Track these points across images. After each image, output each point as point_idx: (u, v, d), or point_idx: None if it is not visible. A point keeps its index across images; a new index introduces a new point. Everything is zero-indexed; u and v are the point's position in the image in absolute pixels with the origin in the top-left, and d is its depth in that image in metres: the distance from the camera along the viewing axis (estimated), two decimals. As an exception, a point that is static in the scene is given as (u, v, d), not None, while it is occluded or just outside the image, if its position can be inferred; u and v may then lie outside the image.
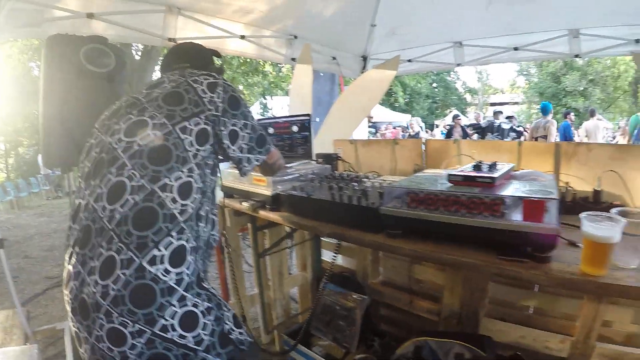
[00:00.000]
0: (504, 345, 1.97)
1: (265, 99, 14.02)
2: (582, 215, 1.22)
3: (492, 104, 30.31)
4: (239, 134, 1.40)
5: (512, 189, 1.44)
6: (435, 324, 2.27)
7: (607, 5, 3.80)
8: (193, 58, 1.62)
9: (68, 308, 1.21)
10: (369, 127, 10.53)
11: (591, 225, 1.18)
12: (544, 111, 8.62)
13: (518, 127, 11.69)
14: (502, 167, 1.64)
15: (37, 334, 2.75)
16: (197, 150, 1.28)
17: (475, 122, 12.88)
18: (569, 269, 1.23)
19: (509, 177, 1.67)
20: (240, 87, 12.92)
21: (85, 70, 2.20)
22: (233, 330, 1.27)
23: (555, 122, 8.69)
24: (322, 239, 2.98)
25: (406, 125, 18.18)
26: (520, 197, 1.32)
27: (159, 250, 1.14)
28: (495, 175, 1.48)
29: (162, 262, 1.13)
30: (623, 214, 1.22)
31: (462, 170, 1.60)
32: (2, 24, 2.67)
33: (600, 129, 10.42)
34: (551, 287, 1.28)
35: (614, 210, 1.27)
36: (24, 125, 15.12)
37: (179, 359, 1.12)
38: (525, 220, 1.29)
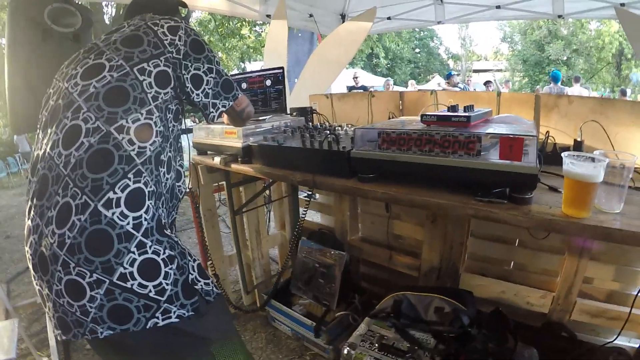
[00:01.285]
0: (485, 300, 1.96)
1: (243, 63, 13.80)
2: (565, 154, 1.17)
3: (475, 71, 30.20)
4: (203, 79, 1.33)
5: (489, 129, 1.38)
6: (415, 279, 2.26)
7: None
8: (156, 6, 1.52)
9: (30, 266, 1.14)
10: (358, 87, 10.34)
11: (573, 164, 1.14)
12: (555, 79, 8.75)
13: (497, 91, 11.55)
14: (478, 110, 1.57)
15: (18, 310, 2.69)
16: (157, 92, 1.21)
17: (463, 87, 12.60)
18: (550, 210, 1.19)
19: (486, 120, 1.61)
20: (219, 53, 12.70)
21: (50, 30, 2.10)
22: (198, 280, 1.20)
23: (568, 89, 8.86)
24: (300, 197, 2.93)
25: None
26: (497, 134, 1.26)
27: (115, 192, 1.06)
28: (471, 115, 1.41)
29: (118, 205, 1.06)
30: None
31: (437, 111, 1.53)
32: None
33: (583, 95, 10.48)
34: (531, 228, 1.24)
35: (597, 151, 1.22)
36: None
37: (140, 310, 1.06)
38: (502, 159, 1.24)
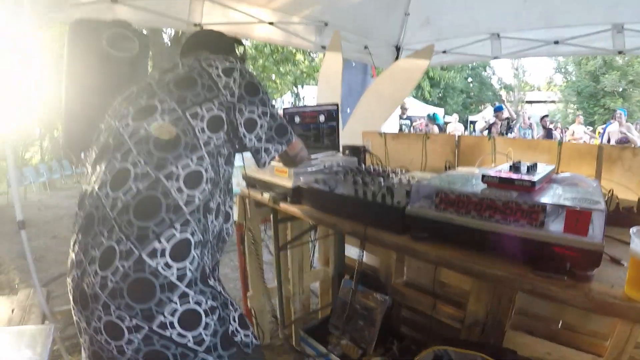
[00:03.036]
0: (528, 360, 1.86)
1: (296, 88, 14.03)
2: (633, 230, 1.08)
3: (528, 102, 29.65)
4: (257, 122, 1.33)
5: (553, 195, 1.31)
6: (457, 331, 2.18)
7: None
8: (212, 44, 1.57)
9: (70, 297, 1.16)
10: (404, 119, 10.33)
11: None
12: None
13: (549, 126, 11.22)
14: (543, 170, 1.51)
15: (56, 314, 2.75)
16: (209, 137, 1.22)
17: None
18: (612, 291, 1.11)
19: (549, 180, 1.54)
20: (273, 76, 12.99)
21: (108, 55, 2.16)
22: (238, 332, 1.20)
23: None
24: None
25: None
26: (563, 206, 1.19)
27: (160, 242, 1.08)
28: (535, 178, 1.35)
29: (162, 256, 1.07)
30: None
31: (498, 171, 1.48)
32: (28, 10, 2.68)
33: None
34: (590, 310, 1.17)
35: None
36: (59, 109, 15.36)
37: (177, 358, 1.07)
38: (566, 232, 1.17)
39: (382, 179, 1.87)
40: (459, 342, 1.86)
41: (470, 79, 29.57)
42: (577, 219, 1.15)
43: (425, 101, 23.20)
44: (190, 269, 1.10)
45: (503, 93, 30.57)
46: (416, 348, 1.98)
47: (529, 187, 1.32)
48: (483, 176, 1.44)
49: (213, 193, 1.22)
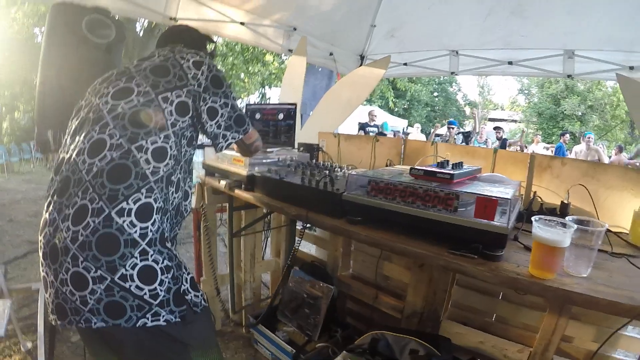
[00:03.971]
0: (463, 349, 2.00)
1: (264, 88, 13.98)
2: (534, 217, 1.26)
3: (491, 119, 30.34)
4: (218, 111, 1.47)
5: (470, 187, 1.49)
6: (397, 321, 2.31)
7: (603, 31, 3.86)
8: (187, 39, 1.70)
9: (40, 254, 1.28)
10: (372, 126, 10.34)
11: (541, 228, 1.22)
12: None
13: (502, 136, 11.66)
14: (466, 168, 1.70)
15: (12, 292, 2.77)
16: (176, 120, 1.36)
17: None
18: (517, 269, 1.26)
19: (472, 177, 1.73)
20: (242, 75, 12.87)
21: (86, 39, 2.24)
22: (189, 292, 1.33)
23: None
24: (297, 227, 3.03)
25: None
26: (473, 194, 1.37)
27: (128, 203, 1.22)
28: (455, 172, 1.53)
29: (129, 215, 1.21)
30: (580, 223, 1.25)
31: (426, 166, 1.66)
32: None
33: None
34: (495, 284, 1.32)
35: (569, 217, 1.30)
36: (22, 90, 14.90)
37: (133, 309, 1.19)
38: (476, 217, 1.35)
39: (327, 172, 2.03)
40: (396, 329, 2.01)
41: (436, 94, 30.06)
42: (485, 205, 1.33)
43: (390, 111, 23.48)
44: (151, 230, 1.25)
45: (467, 109, 31.27)
46: (358, 336, 2.10)
47: (448, 180, 1.52)
48: (411, 169, 1.63)
49: (175, 169, 1.37)
